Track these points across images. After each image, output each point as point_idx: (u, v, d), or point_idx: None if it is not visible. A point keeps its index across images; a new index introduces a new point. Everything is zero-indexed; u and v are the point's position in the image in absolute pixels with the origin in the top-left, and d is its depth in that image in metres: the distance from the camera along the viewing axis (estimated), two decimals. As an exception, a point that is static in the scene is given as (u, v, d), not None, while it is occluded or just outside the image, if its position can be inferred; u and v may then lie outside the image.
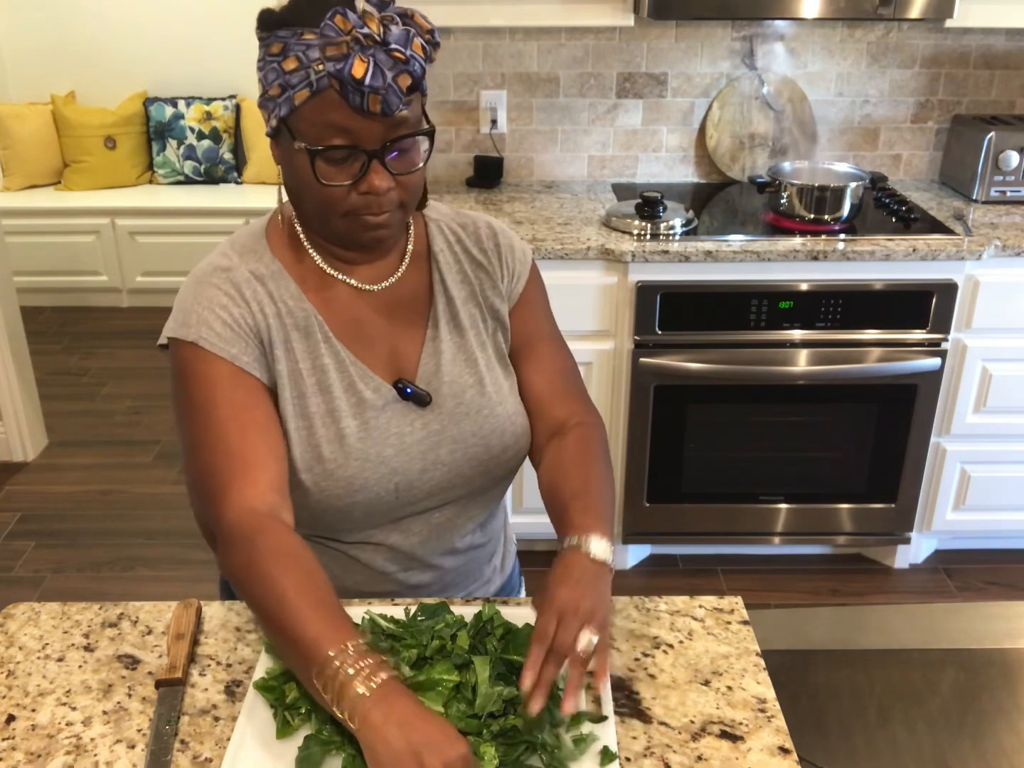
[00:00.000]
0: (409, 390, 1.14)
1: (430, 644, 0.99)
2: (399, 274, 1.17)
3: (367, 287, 1.15)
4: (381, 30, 0.98)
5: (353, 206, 1.05)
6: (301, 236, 1.14)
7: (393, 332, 1.16)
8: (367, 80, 0.97)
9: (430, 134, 1.08)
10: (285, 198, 1.15)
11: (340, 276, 1.14)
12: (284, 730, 0.93)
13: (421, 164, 1.08)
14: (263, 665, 1.01)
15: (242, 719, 0.95)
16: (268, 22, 1.04)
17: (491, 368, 1.20)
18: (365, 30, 0.97)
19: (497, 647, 1.00)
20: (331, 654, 0.87)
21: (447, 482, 1.17)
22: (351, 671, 0.86)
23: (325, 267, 1.14)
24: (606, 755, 0.91)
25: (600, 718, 0.95)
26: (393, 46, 0.98)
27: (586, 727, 0.94)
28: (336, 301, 1.14)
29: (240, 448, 1.04)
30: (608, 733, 0.94)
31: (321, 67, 0.99)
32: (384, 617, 1.05)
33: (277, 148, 1.10)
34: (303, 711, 0.94)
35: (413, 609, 1.07)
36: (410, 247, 1.19)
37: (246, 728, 0.94)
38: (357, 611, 1.07)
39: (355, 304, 1.15)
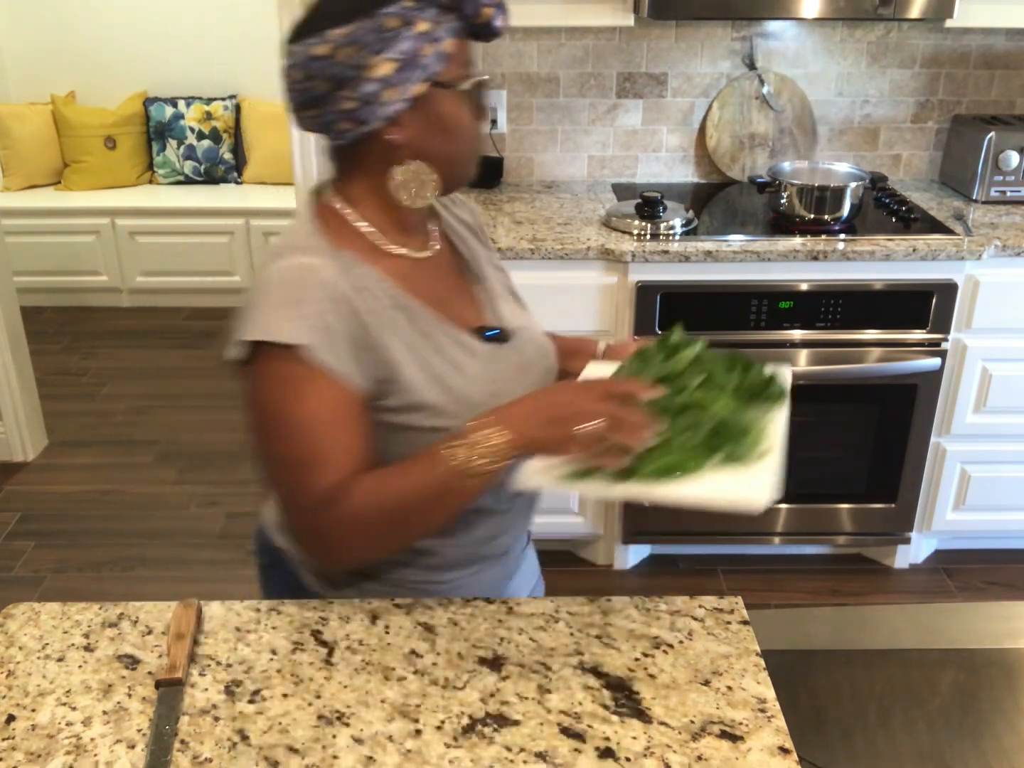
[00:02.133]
0: (491, 333, 1.21)
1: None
2: (436, 235, 1.24)
3: (420, 255, 1.19)
4: None
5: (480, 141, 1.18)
6: (354, 220, 1.15)
7: (452, 289, 1.23)
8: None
9: None
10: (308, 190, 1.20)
11: (398, 250, 1.16)
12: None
13: None
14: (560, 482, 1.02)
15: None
16: (367, 4, 1.04)
17: (519, 298, 1.33)
18: None
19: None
20: (447, 448, 1.01)
21: None
22: (472, 437, 1.01)
23: (381, 244, 1.15)
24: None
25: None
26: None
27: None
28: (404, 274, 1.16)
29: (331, 446, 1.05)
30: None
31: (446, 12, 1.06)
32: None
33: (416, 117, 1.08)
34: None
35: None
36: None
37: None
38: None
39: (419, 273, 1.18)
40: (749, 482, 1.00)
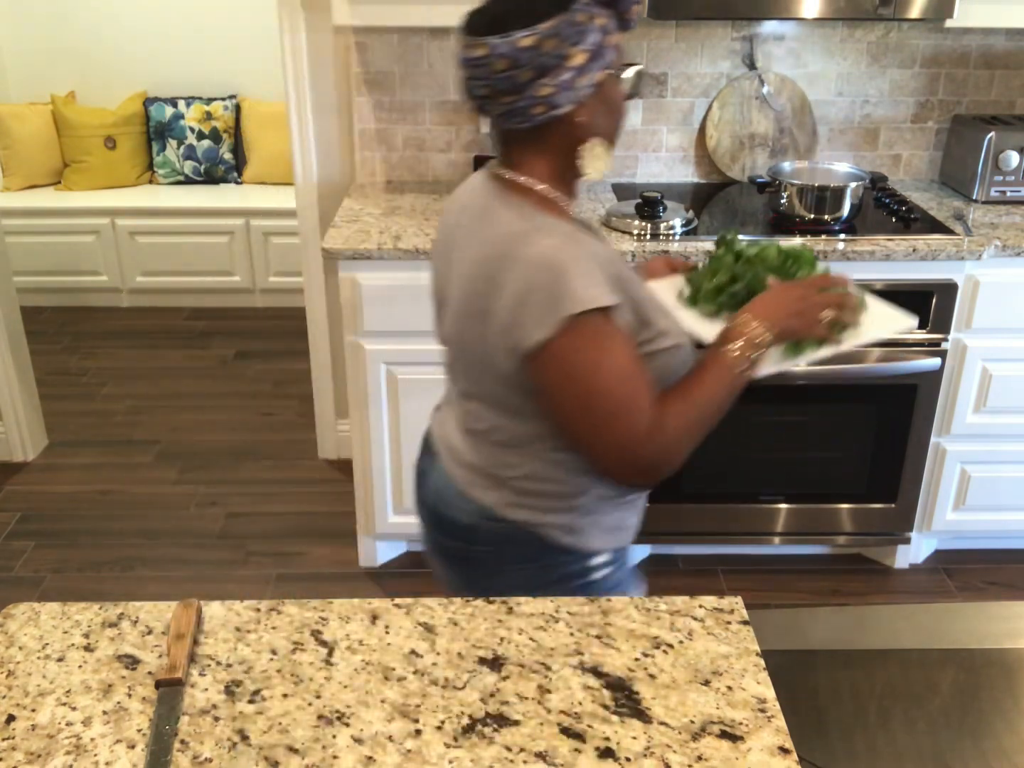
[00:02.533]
0: None
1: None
2: None
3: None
4: None
5: None
6: (548, 194, 1.27)
7: None
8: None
9: None
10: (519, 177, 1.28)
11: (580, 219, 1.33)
12: None
13: None
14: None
15: None
16: (564, 1, 1.17)
17: None
18: None
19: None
20: (726, 350, 1.26)
21: None
22: (746, 334, 1.26)
23: (571, 213, 1.31)
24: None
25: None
26: None
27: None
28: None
29: (644, 379, 1.22)
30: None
31: (608, 8, 1.21)
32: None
33: (595, 101, 1.23)
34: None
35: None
36: None
37: None
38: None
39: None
40: (888, 314, 1.39)
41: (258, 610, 1.14)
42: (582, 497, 1.34)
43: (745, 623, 1.12)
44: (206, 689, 1.02)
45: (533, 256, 1.17)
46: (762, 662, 1.06)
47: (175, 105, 4.73)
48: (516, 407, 1.29)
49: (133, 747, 0.95)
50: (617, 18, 1.22)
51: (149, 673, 1.04)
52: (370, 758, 0.94)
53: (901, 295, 2.40)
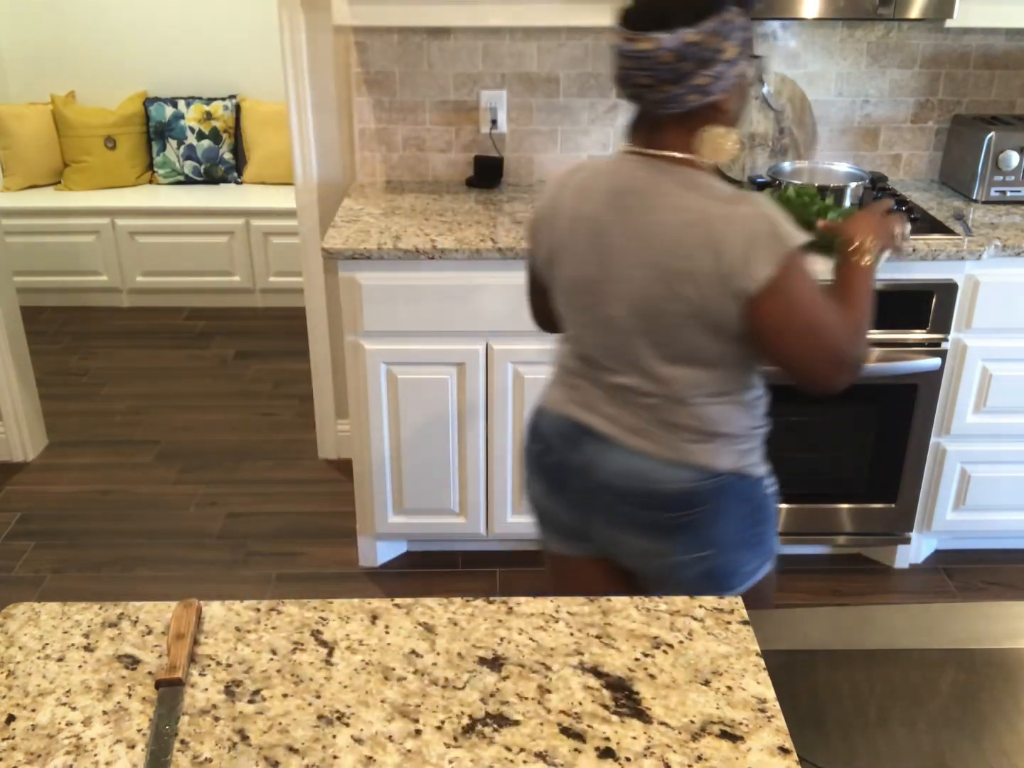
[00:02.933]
0: None
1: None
2: None
3: None
4: None
5: None
6: (701, 168, 1.42)
7: None
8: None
9: None
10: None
11: None
12: None
13: None
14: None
15: None
16: (720, 1, 1.34)
17: None
18: None
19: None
20: (860, 258, 1.51)
21: None
22: (869, 246, 1.52)
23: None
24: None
25: None
26: None
27: None
28: None
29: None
30: None
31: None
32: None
33: (735, 90, 1.40)
34: None
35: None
36: None
37: None
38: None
39: None
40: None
41: (258, 610, 1.14)
42: (760, 429, 1.54)
43: (745, 623, 1.12)
44: (206, 689, 1.02)
45: (747, 211, 1.34)
46: (762, 662, 1.06)
47: (175, 105, 4.73)
48: (716, 358, 1.43)
49: (133, 747, 0.95)
50: (746, 13, 1.39)
51: (149, 673, 1.04)
52: (370, 758, 0.94)
53: (901, 295, 2.41)
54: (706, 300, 1.36)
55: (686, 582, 1.52)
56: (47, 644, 1.08)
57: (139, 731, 0.97)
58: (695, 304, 1.37)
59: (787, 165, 2.64)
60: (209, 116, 4.73)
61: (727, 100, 1.38)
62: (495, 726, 0.97)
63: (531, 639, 1.10)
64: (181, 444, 3.45)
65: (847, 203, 2.44)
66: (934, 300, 2.40)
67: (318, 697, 1.01)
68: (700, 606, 1.15)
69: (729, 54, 1.34)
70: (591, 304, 1.47)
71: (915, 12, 2.36)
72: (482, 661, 1.06)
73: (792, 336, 1.38)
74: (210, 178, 4.81)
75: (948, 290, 2.40)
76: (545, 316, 1.66)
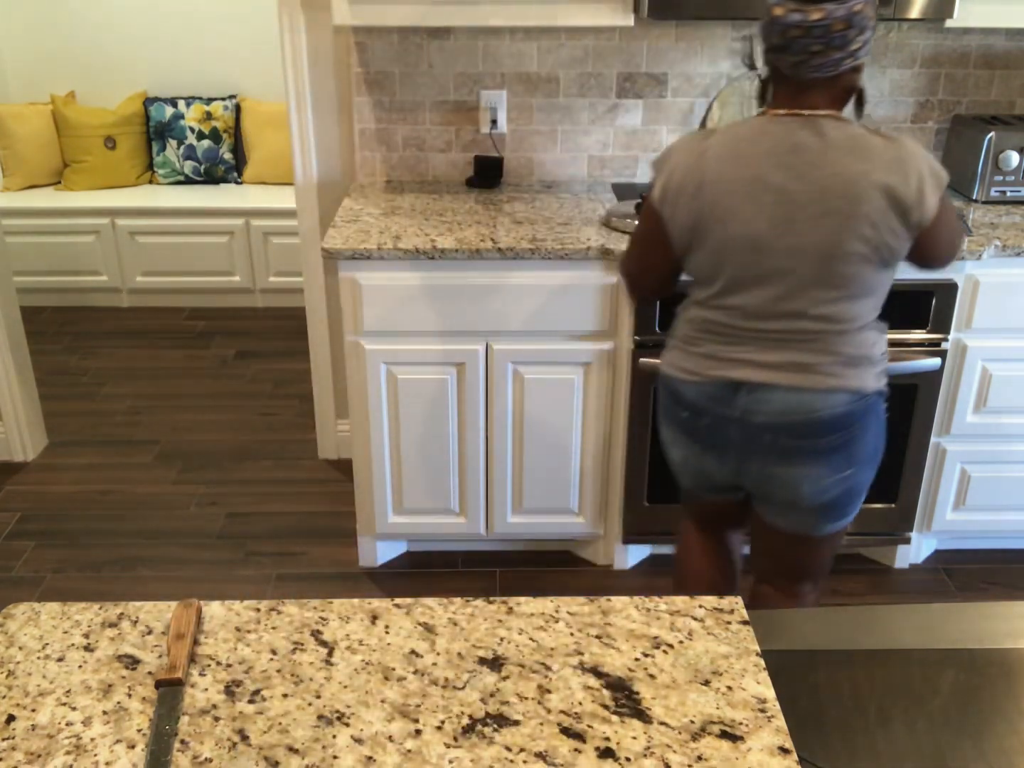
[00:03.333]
0: None
1: None
2: None
3: None
4: None
5: None
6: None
7: None
8: None
9: None
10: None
11: None
12: None
13: None
14: None
15: None
16: None
17: None
18: None
19: None
20: None
21: None
22: None
23: None
24: None
25: None
26: None
27: None
28: None
29: None
30: None
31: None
32: None
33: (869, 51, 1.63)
34: None
35: None
36: None
37: None
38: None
39: None
40: None
41: (258, 610, 1.14)
42: (887, 351, 1.75)
43: (745, 623, 1.12)
44: (206, 689, 1.02)
45: (907, 152, 1.56)
46: (762, 662, 1.06)
47: (175, 105, 4.73)
48: (874, 288, 1.63)
49: (133, 747, 0.95)
50: None
51: (149, 673, 1.04)
52: (370, 758, 0.94)
53: (901, 295, 2.41)
54: (883, 236, 1.56)
55: (830, 503, 1.76)
56: (47, 644, 1.08)
57: (139, 731, 0.97)
58: (872, 242, 1.56)
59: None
60: (209, 116, 4.73)
61: (863, 63, 1.59)
62: (495, 726, 0.97)
63: (531, 639, 1.10)
64: (181, 444, 3.46)
65: None
66: (934, 300, 2.40)
67: (318, 697, 1.01)
68: (700, 606, 1.15)
69: (873, 22, 1.54)
70: (758, 259, 1.61)
71: (915, 12, 2.36)
72: (482, 661, 1.07)
73: (950, 242, 1.66)
74: (210, 178, 4.81)
75: (948, 290, 2.40)
76: (657, 283, 1.80)
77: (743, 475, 1.79)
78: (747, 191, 1.58)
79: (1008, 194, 2.67)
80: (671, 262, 1.73)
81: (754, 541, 1.95)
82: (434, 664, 1.06)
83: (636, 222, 2.46)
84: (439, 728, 0.97)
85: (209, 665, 1.06)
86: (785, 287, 1.61)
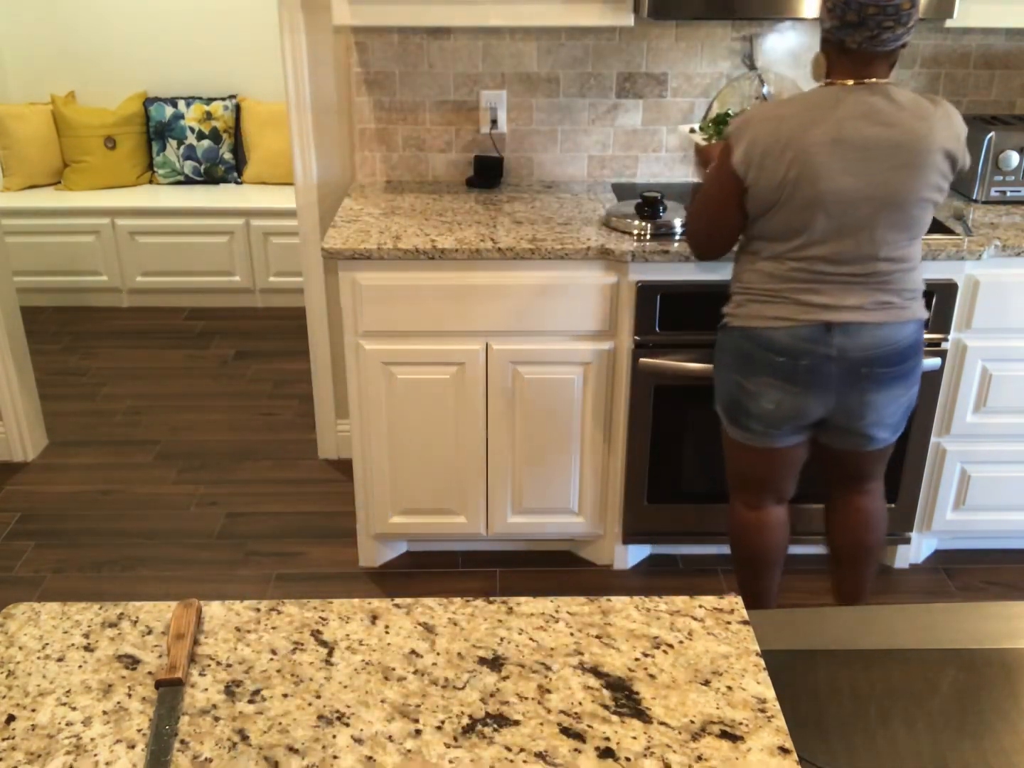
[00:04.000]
0: None
1: None
2: None
3: None
4: None
5: None
6: None
7: None
8: None
9: None
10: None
11: None
12: None
13: None
14: None
15: None
16: None
17: None
18: None
19: None
20: None
21: None
22: None
23: None
24: None
25: None
26: None
27: None
28: None
29: None
30: None
31: None
32: None
33: None
34: None
35: None
36: None
37: None
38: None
39: None
40: None
41: (258, 610, 1.14)
42: None
43: (745, 623, 1.12)
44: (206, 689, 1.02)
45: (949, 109, 1.86)
46: (762, 662, 1.06)
47: (175, 105, 4.73)
48: (925, 228, 1.93)
49: (133, 747, 0.95)
50: None
51: (149, 673, 1.04)
52: (370, 758, 0.94)
53: (901, 295, 2.40)
54: (942, 182, 1.86)
55: (902, 417, 2.07)
56: (47, 644, 1.08)
57: (139, 731, 0.97)
58: (934, 188, 1.86)
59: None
60: (209, 116, 4.73)
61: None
62: (495, 726, 0.98)
63: (531, 639, 1.10)
64: (181, 444, 3.46)
65: None
66: (934, 300, 2.40)
67: (318, 697, 1.01)
68: (700, 606, 1.15)
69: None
70: (844, 210, 1.85)
71: (915, 12, 2.35)
72: (482, 661, 1.07)
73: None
74: (210, 178, 4.81)
75: (948, 290, 2.40)
76: (729, 242, 2.03)
77: (839, 406, 2.01)
78: (832, 150, 1.81)
79: (1008, 194, 2.67)
80: (742, 222, 1.96)
81: (831, 469, 2.22)
82: (434, 664, 1.06)
83: (635, 223, 2.46)
84: (439, 728, 0.97)
85: (209, 665, 1.06)
86: (866, 235, 1.86)
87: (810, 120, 1.83)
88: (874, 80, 1.84)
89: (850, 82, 1.84)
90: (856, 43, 1.80)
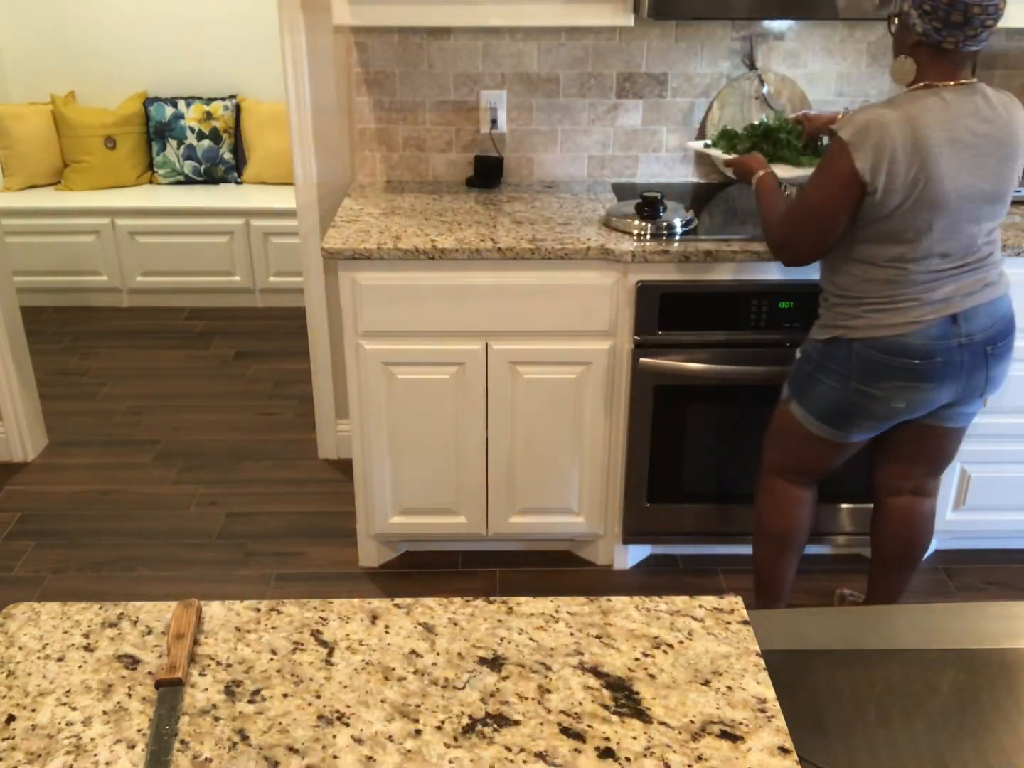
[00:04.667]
0: None
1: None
2: None
3: None
4: None
5: None
6: None
7: None
8: None
9: None
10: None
11: None
12: None
13: None
14: None
15: None
16: None
17: None
18: None
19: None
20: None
21: None
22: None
23: None
24: None
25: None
26: None
27: None
28: None
29: None
30: None
31: None
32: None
33: None
34: None
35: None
36: None
37: None
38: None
39: None
40: None
41: (258, 610, 1.14)
42: None
43: (745, 623, 1.12)
44: (206, 689, 1.02)
45: (1019, 102, 1.97)
46: (762, 662, 1.06)
47: (175, 105, 4.73)
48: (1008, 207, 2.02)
49: (133, 747, 0.95)
50: None
51: (149, 673, 1.04)
52: (370, 758, 0.94)
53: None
54: (1020, 173, 1.96)
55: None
56: (47, 644, 1.08)
57: (139, 731, 0.97)
58: (1021, 176, 1.96)
59: (787, 165, 2.63)
60: (209, 116, 4.73)
61: None
62: (495, 726, 0.98)
63: (531, 639, 1.10)
64: (181, 444, 3.46)
65: None
66: (934, 300, 2.40)
67: (318, 697, 1.01)
68: (700, 606, 1.15)
69: None
70: (961, 207, 1.90)
71: (915, 12, 2.35)
72: (482, 661, 1.07)
73: None
74: (210, 178, 4.81)
75: (948, 290, 2.39)
76: (829, 247, 2.03)
77: (966, 389, 2.06)
78: (951, 151, 1.87)
79: (1008, 194, 2.66)
80: (850, 227, 1.98)
81: (910, 452, 2.23)
82: (434, 664, 1.06)
83: (635, 223, 2.46)
84: (439, 728, 0.97)
85: (209, 665, 1.06)
86: (975, 227, 1.94)
87: (926, 122, 1.86)
88: (966, 81, 1.91)
89: (951, 83, 1.89)
90: (954, 43, 1.84)
